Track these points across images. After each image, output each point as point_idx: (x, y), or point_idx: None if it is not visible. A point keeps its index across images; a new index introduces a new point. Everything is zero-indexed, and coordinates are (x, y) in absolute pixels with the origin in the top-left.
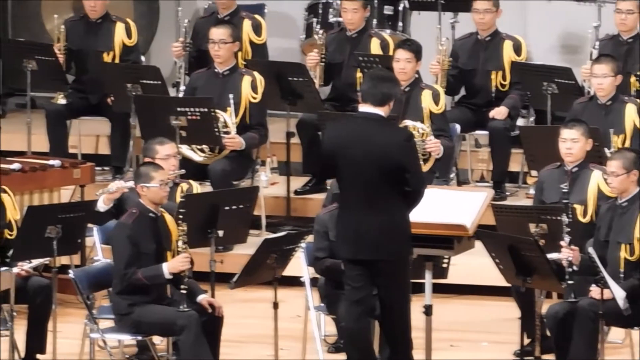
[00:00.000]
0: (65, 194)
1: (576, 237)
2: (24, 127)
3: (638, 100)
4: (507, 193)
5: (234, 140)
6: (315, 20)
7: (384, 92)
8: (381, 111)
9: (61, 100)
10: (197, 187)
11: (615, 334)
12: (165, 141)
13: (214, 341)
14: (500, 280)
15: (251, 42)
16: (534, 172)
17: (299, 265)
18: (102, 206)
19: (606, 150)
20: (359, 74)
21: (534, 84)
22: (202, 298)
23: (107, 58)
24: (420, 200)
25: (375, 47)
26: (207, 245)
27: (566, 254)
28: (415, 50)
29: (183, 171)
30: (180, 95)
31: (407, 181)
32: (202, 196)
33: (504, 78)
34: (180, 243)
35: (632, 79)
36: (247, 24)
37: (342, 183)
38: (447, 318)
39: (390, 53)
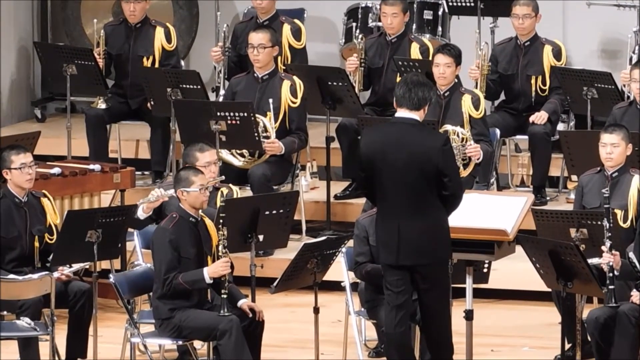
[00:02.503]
0: (105, 199)
1: (617, 241)
2: (64, 132)
3: None
4: (548, 198)
5: (273, 145)
6: (354, 24)
7: (419, 97)
8: (417, 115)
9: (101, 105)
10: (237, 192)
11: None
12: (205, 148)
13: (255, 346)
14: (541, 285)
15: (291, 47)
16: (574, 177)
17: (339, 270)
18: (141, 214)
19: None
20: (398, 79)
21: (574, 88)
22: (243, 303)
23: (146, 63)
24: (459, 205)
25: (414, 52)
26: (248, 250)
27: (607, 258)
28: (455, 54)
29: (223, 177)
30: (220, 99)
31: (444, 185)
32: (243, 201)
33: (543, 83)
34: (220, 247)
35: None
36: (286, 29)
37: (380, 188)
38: (488, 323)
39: (430, 58)
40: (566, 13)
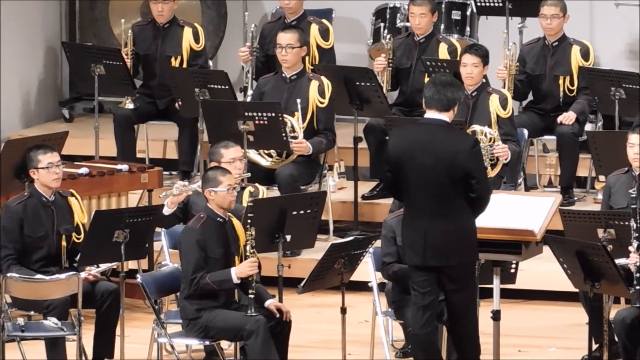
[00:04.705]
0: (133, 199)
1: None
2: (92, 132)
3: None
4: (575, 198)
5: (301, 145)
6: (382, 25)
7: (448, 97)
8: (446, 116)
9: (129, 105)
10: (264, 190)
11: None
12: (230, 144)
13: (282, 346)
14: (568, 286)
15: (319, 47)
16: (601, 177)
17: (366, 270)
18: (166, 210)
19: None
20: (426, 79)
21: (601, 89)
22: (270, 303)
23: (174, 63)
24: (486, 207)
25: (442, 52)
26: (275, 250)
27: (634, 259)
28: (482, 55)
29: (249, 174)
30: (248, 100)
31: (472, 188)
32: (270, 201)
33: (571, 83)
34: (248, 248)
35: None
36: (314, 29)
37: (407, 189)
38: (515, 323)
39: (458, 58)
40: (594, 13)
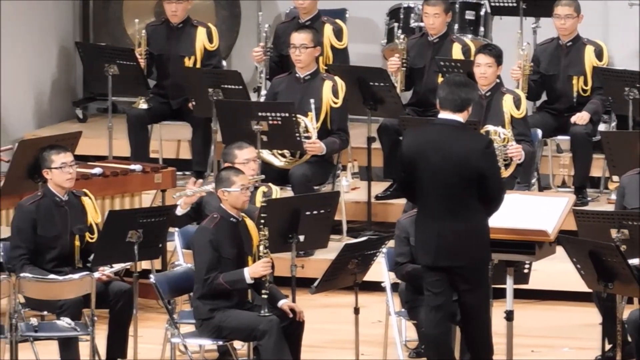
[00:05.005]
0: (146, 199)
1: None
2: (106, 132)
3: None
4: (589, 198)
5: (314, 145)
6: (396, 25)
7: (462, 98)
8: (460, 117)
9: (142, 105)
10: (277, 190)
11: None
12: (244, 145)
13: (295, 346)
14: (581, 286)
15: (332, 47)
16: (615, 178)
17: (380, 270)
18: (179, 210)
19: None
20: (440, 79)
21: (615, 89)
22: (283, 303)
23: (188, 63)
24: (499, 208)
25: (456, 52)
26: (288, 250)
27: None
28: (496, 55)
29: (263, 176)
30: (262, 100)
31: (486, 188)
32: (283, 201)
33: (585, 83)
34: (261, 248)
35: None
36: (328, 29)
37: (421, 189)
38: (528, 323)
39: (472, 58)
40: (608, 13)
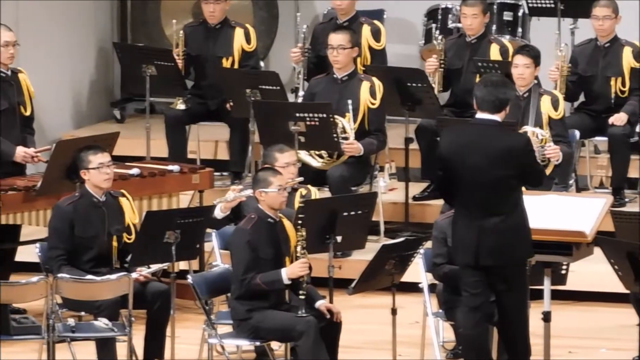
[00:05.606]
0: (184, 199)
1: None
2: (143, 133)
3: None
4: (626, 199)
5: (352, 146)
6: (434, 25)
7: (500, 98)
8: (498, 117)
9: (180, 106)
10: (316, 193)
11: None
12: (285, 149)
13: (332, 347)
14: (619, 287)
15: (370, 48)
16: None
17: (417, 271)
18: (219, 214)
19: None
20: (478, 80)
21: None
22: (321, 304)
23: (226, 63)
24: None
25: (494, 53)
26: (326, 251)
27: None
28: (534, 55)
29: (301, 179)
30: (299, 100)
31: (526, 182)
32: (321, 202)
33: (623, 84)
34: (299, 248)
35: None
36: (366, 30)
37: (458, 189)
38: (566, 324)
39: (510, 59)
40: None
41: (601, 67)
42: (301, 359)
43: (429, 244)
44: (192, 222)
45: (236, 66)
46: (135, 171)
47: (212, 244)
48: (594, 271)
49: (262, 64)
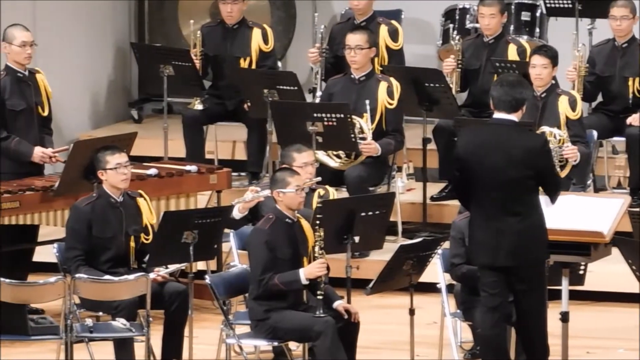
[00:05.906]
0: (202, 200)
1: None
2: (161, 133)
3: None
4: None
5: (370, 146)
6: (452, 26)
7: (516, 98)
8: (514, 117)
9: (198, 106)
10: (334, 193)
11: None
12: (303, 149)
13: (350, 347)
14: (636, 287)
15: (388, 48)
16: None
17: (435, 271)
18: (237, 214)
19: None
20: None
21: None
22: (339, 304)
23: (243, 64)
24: (555, 200)
25: (512, 53)
26: (343, 251)
27: None
28: (552, 56)
29: (319, 179)
30: (317, 101)
31: (543, 185)
32: (339, 202)
33: None
34: (317, 249)
35: None
36: (383, 30)
37: (476, 189)
38: (584, 325)
39: (527, 59)
40: None
41: (619, 67)
42: (319, 359)
43: (446, 244)
44: (210, 223)
45: (254, 66)
46: (152, 171)
47: (230, 244)
48: (611, 271)
49: (279, 64)
